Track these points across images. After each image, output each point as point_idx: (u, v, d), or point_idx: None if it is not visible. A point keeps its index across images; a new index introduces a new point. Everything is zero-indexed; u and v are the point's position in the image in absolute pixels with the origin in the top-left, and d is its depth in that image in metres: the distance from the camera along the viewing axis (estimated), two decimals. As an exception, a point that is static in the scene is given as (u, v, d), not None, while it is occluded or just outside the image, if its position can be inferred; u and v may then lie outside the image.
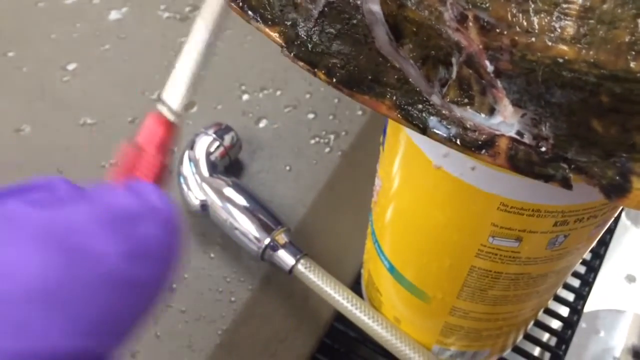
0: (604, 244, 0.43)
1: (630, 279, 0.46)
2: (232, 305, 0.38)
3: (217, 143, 0.40)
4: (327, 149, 0.45)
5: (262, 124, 0.45)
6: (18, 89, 0.46)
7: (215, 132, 0.40)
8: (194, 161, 0.39)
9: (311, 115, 0.46)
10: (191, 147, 0.40)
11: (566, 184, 0.16)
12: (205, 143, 0.40)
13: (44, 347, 0.13)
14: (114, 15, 0.50)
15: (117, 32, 0.49)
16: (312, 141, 0.45)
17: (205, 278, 0.39)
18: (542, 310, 0.34)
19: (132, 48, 0.49)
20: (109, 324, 0.14)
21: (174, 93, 0.17)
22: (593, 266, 0.42)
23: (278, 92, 0.47)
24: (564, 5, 0.15)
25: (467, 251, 0.25)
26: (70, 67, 0.47)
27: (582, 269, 0.42)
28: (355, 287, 0.38)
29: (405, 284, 0.30)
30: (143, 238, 0.14)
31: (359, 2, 0.16)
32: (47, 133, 0.44)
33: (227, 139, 0.41)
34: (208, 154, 0.40)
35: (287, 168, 0.43)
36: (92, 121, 0.45)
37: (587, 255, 0.39)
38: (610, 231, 0.45)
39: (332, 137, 0.45)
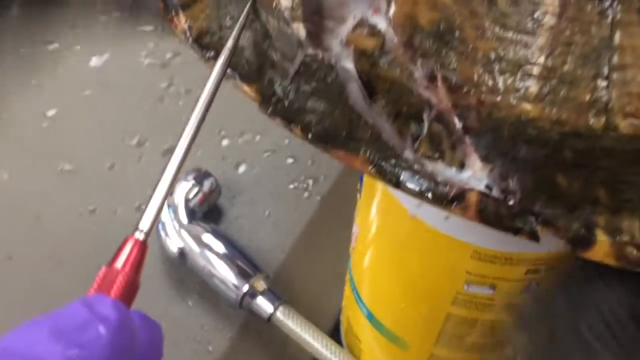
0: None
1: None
2: (210, 355, 0.37)
3: (196, 189, 0.40)
4: (306, 194, 0.45)
5: (241, 169, 0.46)
6: (-4, 135, 0.46)
7: (194, 178, 0.41)
8: (172, 207, 0.39)
9: (290, 160, 0.46)
10: (170, 193, 0.40)
11: (534, 237, 0.16)
12: (184, 189, 0.40)
13: None
14: (95, 61, 0.51)
15: (97, 78, 0.50)
16: (291, 186, 0.45)
17: (182, 327, 0.38)
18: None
19: (112, 94, 0.49)
20: None
21: (148, 217, 0.19)
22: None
23: (257, 137, 0.47)
24: (527, 67, 0.15)
25: (444, 298, 0.25)
26: (50, 113, 0.47)
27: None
28: (335, 333, 0.37)
29: (383, 332, 0.30)
30: (87, 341, 0.16)
31: (333, 62, 0.17)
32: (25, 179, 0.44)
33: (207, 184, 0.41)
34: (187, 200, 0.40)
35: (266, 213, 0.44)
36: (70, 167, 0.45)
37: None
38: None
39: (310, 182, 0.46)
